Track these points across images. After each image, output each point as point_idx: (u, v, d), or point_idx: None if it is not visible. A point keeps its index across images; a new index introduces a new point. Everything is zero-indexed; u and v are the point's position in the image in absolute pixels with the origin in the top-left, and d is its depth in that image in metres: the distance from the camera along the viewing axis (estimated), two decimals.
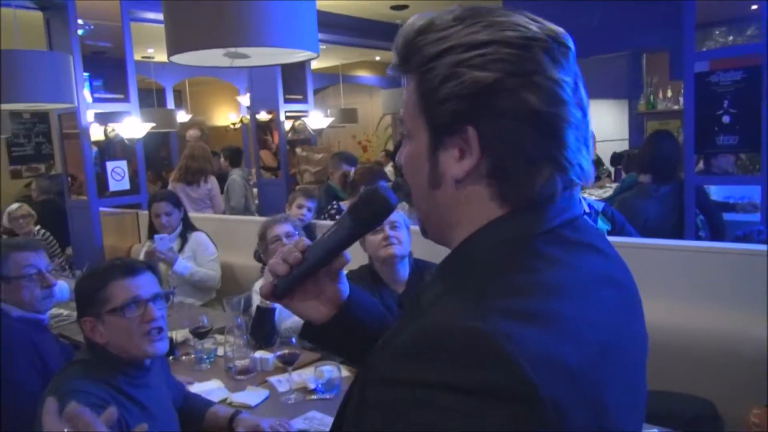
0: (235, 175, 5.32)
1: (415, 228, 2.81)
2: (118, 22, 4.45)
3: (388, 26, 7.00)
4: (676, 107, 6.57)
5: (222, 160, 5.65)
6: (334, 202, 3.74)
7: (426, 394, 0.52)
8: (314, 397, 1.89)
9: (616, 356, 0.61)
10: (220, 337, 2.35)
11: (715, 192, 3.55)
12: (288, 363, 1.94)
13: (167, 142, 8.57)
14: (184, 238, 3.32)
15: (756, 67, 2.80)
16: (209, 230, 3.52)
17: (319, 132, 6.47)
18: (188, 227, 3.39)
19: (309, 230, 3.19)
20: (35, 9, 4.37)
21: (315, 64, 7.36)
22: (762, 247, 1.92)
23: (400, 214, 2.31)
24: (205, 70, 6.68)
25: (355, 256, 1.06)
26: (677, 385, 1.82)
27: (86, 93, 4.38)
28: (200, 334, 2.33)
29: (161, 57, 7.63)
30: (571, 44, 0.66)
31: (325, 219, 3.57)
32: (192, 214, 3.77)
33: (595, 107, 7.89)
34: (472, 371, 0.51)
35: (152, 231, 3.32)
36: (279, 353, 1.96)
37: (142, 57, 7.55)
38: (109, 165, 4.51)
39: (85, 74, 4.34)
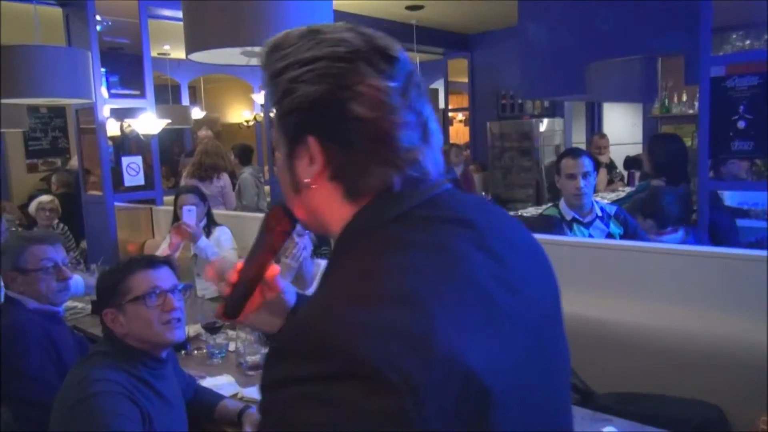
0: (246, 173, 5.35)
1: None
2: (135, 19, 4.49)
3: (402, 26, 7.00)
4: (690, 111, 6.52)
5: (232, 157, 5.69)
6: None
7: (285, 391, 0.58)
8: None
9: (490, 316, 0.64)
10: (231, 333, 2.38)
11: (729, 198, 3.53)
12: None
13: (181, 139, 8.63)
14: (208, 232, 3.37)
15: None
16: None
17: None
18: (212, 221, 3.47)
19: None
20: (55, 5, 4.42)
21: None
22: (763, 252, 1.92)
23: None
24: (220, 67, 6.71)
25: None
26: (684, 390, 1.82)
27: (103, 89, 4.43)
28: (213, 329, 2.36)
29: (177, 54, 7.69)
30: (398, 54, 0.71)
31: None
32: None
33: (608, 110, 7.87)
34: (316, 361, 0.56)
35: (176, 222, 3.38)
36: None
37: (159, 53, 7.61)
38: (125, 160, 4.56)
39: (102, 70, 4.39)
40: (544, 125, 7.34)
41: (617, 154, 6.43)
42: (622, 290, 2.14)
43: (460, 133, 9.72)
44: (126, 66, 4.66)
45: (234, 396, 1.93)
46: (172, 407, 1.55)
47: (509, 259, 0.71)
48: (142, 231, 4.69)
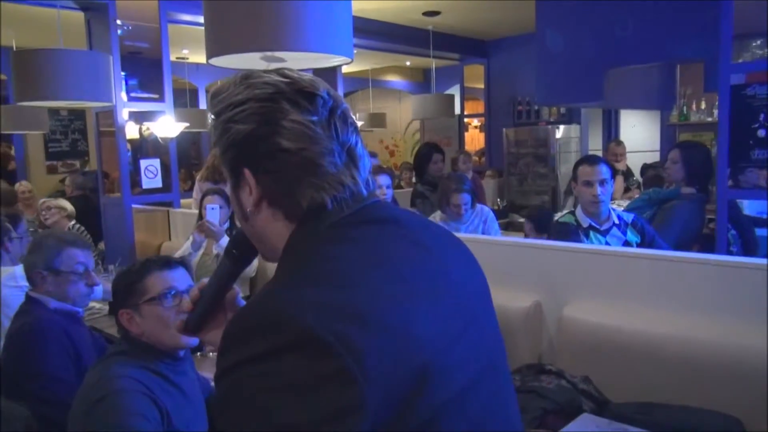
0: None
1: None
2: (155, 24, 4.55)
3: (419, 32, 7.01)
4: (709, 119, 6.46)
5: None
6: None
7: (238, 374, 0.64)
8: None
9: (419, 293, 0.73)
10: None
11: (748, 207, 3.49)
12: None
13: (198, 142, 8.70)
14: (230, 235, 3.40)
15: None
16: None
17: None
18: (235, 225, 3.50)
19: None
20: (77, 9, 4.48)
21: (345, 68, 7.41)
22: (763, 261, 1.90)
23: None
24: (238, 72, 6.77)
25: None
26: (703, 400, 1.80)
27: (122, 92, 4.48)
28: None
29: (195, 58, 7.76)
30: (320, 92, 0.81)
31: None
32: None
33: (626, 117, 7.82)
34: (267, 337, 0.64)
35: None
36: None
37: (177, 57, 7.68)
38: (143, 163, 4.61)
39: (122, 73, 4.44)
40: (560, 132, 7.30)
41: (634, 162, 6.38)
42: (640, 299, 2.12)
43: (475, 139, 9.70)
44: (145, 70, 4.72)
45: None
46: (191, 402, 1.56)
47: (435, 248, 0.82)
48: (159, 233, 4.73)
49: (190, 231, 3.50)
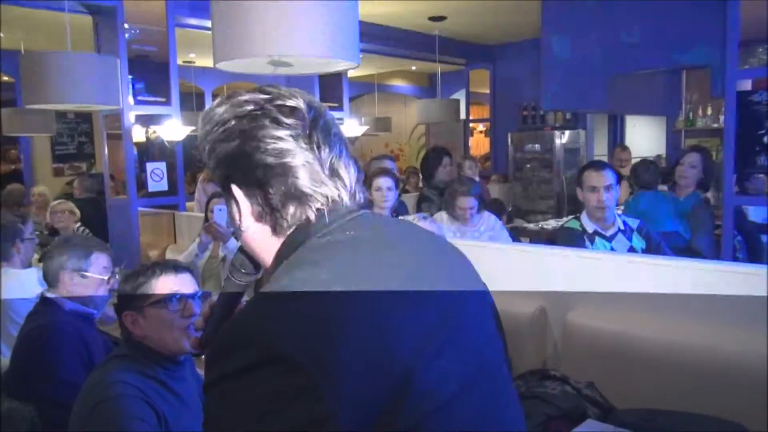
0: None
1: (457, 241, 2.83)
2: (163, 27, 4.57)
3: (425, 37, 7.03)
4: (715, 125, 6.45)
5: None
6: None
7: (217, 390, 0.67)
8: None
9: (402, 302, 0.73)
10: None
11: (753, 213, 3.48)
12: None
13: None
14: (236, 239, 3.41)
15: None
16: None
17: (353, 140, 6.53)
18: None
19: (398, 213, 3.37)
20: (85, 13, 4.51)
21: (351, 73, 7.43)
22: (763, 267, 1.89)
23: (435, 224, 2.33)
24: (244, 76, 6.81)
25: None
26: (708, 407, 1.80)
27: (129, 96, 4.51)
28: None
29: (202, 62, 7.79)
30: (299, 105, 0.82)
31: None
32: None
33: (631, 123, 7.80)
34: (239, 355, 0.65)
35: None
36: None
37: (184, 61, 7.72)
38: (149, 166, 4.62)
39: (129, 77, 4.47)
40: (565, 137, 7.30)
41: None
42: (644, 305, 2.12)
43: (480, 144, 9.70)
44: (152, 73, 4.74)
45: None
46: (189, 408, 1.56)
47: (423, 258, 0.83)
48: (164, 236, 4.75)
49: (196, 234, 3.51)
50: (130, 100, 4.51)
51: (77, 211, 4.59)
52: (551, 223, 5.40)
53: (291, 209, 0.80)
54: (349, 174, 0.84)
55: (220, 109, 0.83)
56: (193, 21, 5.03)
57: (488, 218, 3.50)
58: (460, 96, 8.68)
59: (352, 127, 6.22)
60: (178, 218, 4.74)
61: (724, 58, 3.01)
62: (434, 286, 0.80)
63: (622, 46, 4.55)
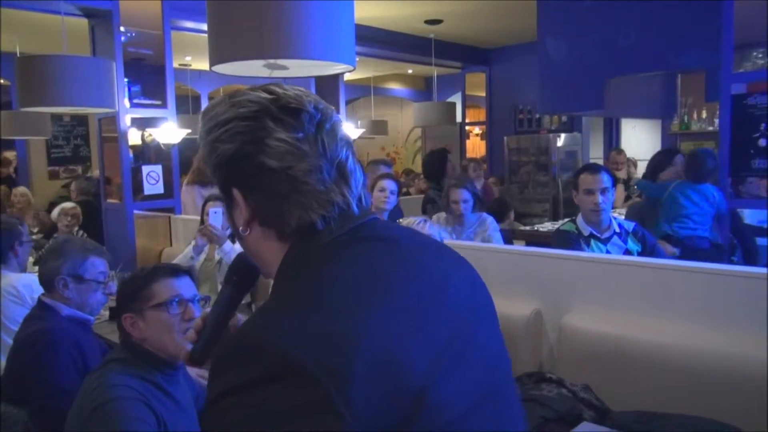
0: None
1: (452, 242, 2.84)
2: (159, 31, 4.57)
3: (421, 40, 7.04)
4: (710, 128, 6.48)
5: None
6: None
7: (225, 402, 0.63)
8: None
9: (414, 317, 0.70)
10: None
11: (749, 216, 3.50)
12: None
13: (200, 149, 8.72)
14: (232, 241, 3.41)
15: None
16: None
17: None
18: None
19: (393, 216, 3.36)
20: (81, 16, 4.51)
21: (347, 76, 7.44)
22: (763, 270, 1.90)
23: (433, 227, 2.33)
24: (240, 79, 6.81)
25: None
26: (703, 409, 1.80)
27: (125, 99, 4.50)
28: None
29: (198, 65, 7.80)
30: (306, 107, 0.78)
31: None
32: None
33: (627, 126, 7.83)
34: (250, 367, 0.62)
35: None
36: None
37: (180, 64, 7.72)
38: (145, 169, 4.62)
39: (125, 80, 4.46)
40: (561, 140, 7.31)
41: (638, 170, 6.38)
42: (640, 307, 2.12)
43: (476, 147, 9.72)
44: (148, 76, 4.74)
45: None
46: (185, 412, 1.56)
47: (434, 270, 0.79)
48: (160, 239, 4.74)
49: (191, 237, 3.50)
50: (126, 103, 4.50)
51: (80, 215, 4.59)
52: (547, 226, 5.41)
53: (295, 215, 0.76)
54: (355, 179, 0.81)
55: (222, 108, 0.79)
56: (189, 24, 5.03)
57: (484, 219, 3.51)
58: (457, 99, 8.70)
59: (348, 130, 6.22)
60: (173, 221, 4.73)
61: (719, 62, 3.03)
62: (447, 299, 0.77)
63: (618, 50, 4.57)
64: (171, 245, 4.71)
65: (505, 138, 7.82)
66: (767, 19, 2.95)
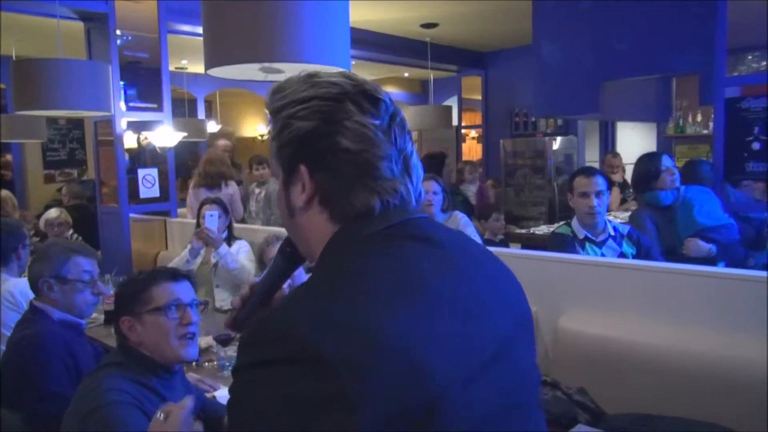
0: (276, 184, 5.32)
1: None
2: (155, 34, 4.57)
3: (417, 44, 7.06)
4: (705, 132, 6.50)
5: (253, 168, 5.64)
6: None
7: (243, 376, 0.67)
8: None
9: (444, 319, 0.70)
10: None
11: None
12: None
13: (197, 152, 8.70)
14: (228, 245, 3.40)
15: None
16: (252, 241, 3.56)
17: None
18: (233, 235, 3.53)
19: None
20: (77, 20, 4.50)
21: None
22: (759, 273, 1.90)
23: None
24: (236, 82, 6.81)
25: None
26: (697, 412, 1.80)
27: (121, 102, 4.50)
28: (224, 341, 2.37)
29: (194, 68, 7.79)
30: (383, 96, 0.81)
31: None
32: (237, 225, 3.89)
33: (622, 130, 7.85)
34: (274, 346, 0.65)
35: None
36: None
37: (176, 68, 7.71)
38: (141, 172, 4.61)
39: (121, 83, 4.46)
40: (557, 143, 7.33)
41: (630, 174, 6.40)
42: (635, 310, 2.13)
43: (472, 150, 9.73)
44: (144, 79, 4.73)
45: None
46: None
47: (472, 273, 0.80)
48: (156, 242, 4.73)
49: (187, 240, 3.50)
50: (122, 106, 4.49)
51: (70, 220, 4.57)
52: (543, 229, 5.42)
53: (360, 196, 0.78)
54: (417, 174, 0.83)
55: (301, 87, 0.81)
56: (185, 27, 5.03)
57: (455, 215, 3.51)
58: (453, 102, 8.72)
59: None
60: (169, 224, 4.73)
61: (713, 66, 3.04)
62: (484, 305, 0.77)
63: (613, 53, 4.59)
64: (167, 249, 4.70)
65: (501, 141, 7.84)
66: (765, 23, 2.96)
